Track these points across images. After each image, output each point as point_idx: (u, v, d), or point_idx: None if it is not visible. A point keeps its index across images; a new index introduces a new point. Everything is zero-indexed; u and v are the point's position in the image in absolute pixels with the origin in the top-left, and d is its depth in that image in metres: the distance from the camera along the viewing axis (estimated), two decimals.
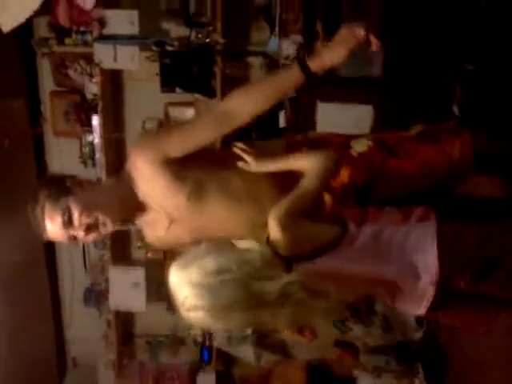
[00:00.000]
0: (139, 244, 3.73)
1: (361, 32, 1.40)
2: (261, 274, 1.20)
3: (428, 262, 1.36)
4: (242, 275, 1.18)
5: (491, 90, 2.45)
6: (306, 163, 1.44)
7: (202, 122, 1.53)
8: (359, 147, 1.65)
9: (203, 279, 1.19)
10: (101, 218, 1.50)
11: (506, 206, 1.62)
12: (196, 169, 1.50)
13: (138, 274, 3.76)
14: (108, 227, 1.51)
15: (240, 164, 1.52)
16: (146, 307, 3.82)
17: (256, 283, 1.19)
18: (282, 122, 3.24)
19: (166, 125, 3.34)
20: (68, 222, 1.47)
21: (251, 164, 1.51)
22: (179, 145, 1.47)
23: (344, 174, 1.61)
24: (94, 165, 3.46)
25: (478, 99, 2.62)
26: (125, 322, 4.15)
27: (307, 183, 1.40)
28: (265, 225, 1.38)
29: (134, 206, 1.57)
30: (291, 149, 1.66)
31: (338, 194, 1.63)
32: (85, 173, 3.48)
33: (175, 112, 3.38)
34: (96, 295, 3.92)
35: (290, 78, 1.47)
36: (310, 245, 1.33)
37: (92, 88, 3.22)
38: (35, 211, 1.49)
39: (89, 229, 1.50)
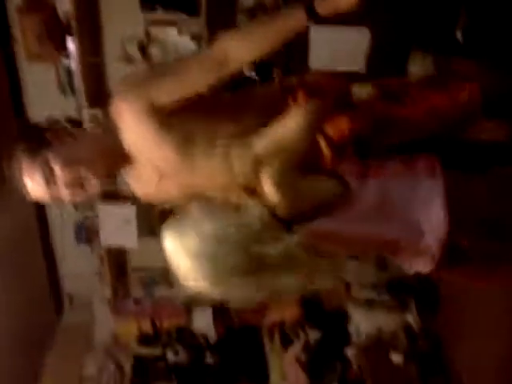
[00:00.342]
0: None
1: None
2: (260, 237, 1.16)
3: (433, 220, 1.32)
4: (241, 239, 1.14)
5: (498, 19, 2.25)
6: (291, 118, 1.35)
7: (196, 67, 1.37)
8: (361, 94, 1.54)
9: (201, 247, 1.14)
10: (83, 172, 1.37)
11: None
12: (183, 119, 1.39)
13: (129, 211, 3.68)
14: (93, 183, 1.39)
15: None
16: (138, 243, 3.77)
17: (256, 246, 1.15)
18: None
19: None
20: (49, 179, 1.35)
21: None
22: (168, 92, 1.35)
23: (343, 124, 1.49)
24: (73, 92, 3.27)
25: (483, 27, 2.40)
26: (117, 258, 4.13)
27: (293, 137, 1.32)
28: (255, 180, 1.35)
29: (120, 159, 1.45)
30: (286, 93, 1.52)
31: (336, 144, 1.51)
32: (64, 102, 3.34)
33: (157, 32, 3.13)
34: (87, 232, 3.87)
35: (294, 20, 1.35)
36: (309, 205, 1.27)
37: (65, 4, 2.94)
38: (13, 169, 1.37)
39: (72, 185, 1.37)
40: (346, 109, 1.50)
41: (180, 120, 1.38)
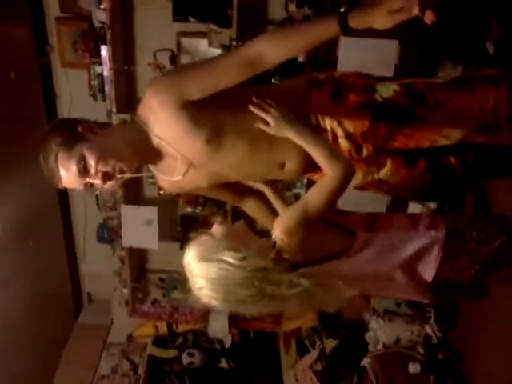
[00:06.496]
0: (151, 180, 3.66)
1: (415, 10, 1.28)
2: (271, 275, 1.30)
3: (428, 269, 1.43)
4: (254, 275, 1.28)
5: None
6: (323, 163, 1.38)
7: (226, 64, 1.43)
8: (385, 92, 1.53)
9: (217, 274, 1.27)
10: (117, 165, 1.44)
11: None
12: (213, 111, 1.45)
13: (151, 212, 3.73)
14: (125, 174, 1.46)
15: (260, 126, 1.45)
16: (159, 246, 3.81)
17: (267, 280, 1.29)
18: (300, 57, 3.06)
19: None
20: (84, 171, 1.42)
21: (272, 127, 1.44)
22: (199, 87, 1.41)
23: (365, 121, 1.51)
24: (103, 98, 3.35)
25: None
26: (138, 259, 4.17)
27: (316, 198, 1.37)
28: (281, 165, 1.53)
29: (150, 151, 1.50)
30: (312, 87, 1.55)
31: (357, 141, 1.54)
32: (94, 106, 3.42)
33: (188, 43, 3.19)
34: (109, 232, 3.91)
35: (326, 29, 1.36)
36: (316, 254, 1.38)
37: (100, 15, 3.03)
38: (48, 160, 1.42)
39: (105, 177, 1.44)
40: (370, 106, 1.50)
41: (209, 112, 1.44)
